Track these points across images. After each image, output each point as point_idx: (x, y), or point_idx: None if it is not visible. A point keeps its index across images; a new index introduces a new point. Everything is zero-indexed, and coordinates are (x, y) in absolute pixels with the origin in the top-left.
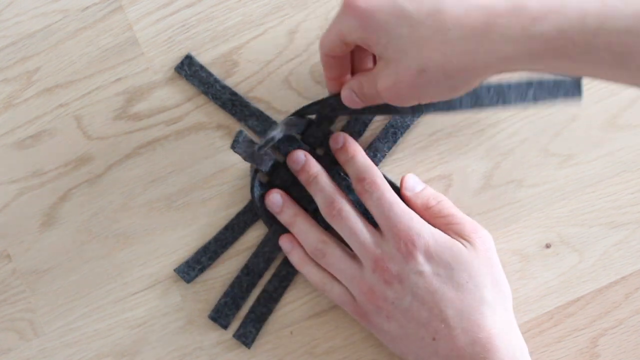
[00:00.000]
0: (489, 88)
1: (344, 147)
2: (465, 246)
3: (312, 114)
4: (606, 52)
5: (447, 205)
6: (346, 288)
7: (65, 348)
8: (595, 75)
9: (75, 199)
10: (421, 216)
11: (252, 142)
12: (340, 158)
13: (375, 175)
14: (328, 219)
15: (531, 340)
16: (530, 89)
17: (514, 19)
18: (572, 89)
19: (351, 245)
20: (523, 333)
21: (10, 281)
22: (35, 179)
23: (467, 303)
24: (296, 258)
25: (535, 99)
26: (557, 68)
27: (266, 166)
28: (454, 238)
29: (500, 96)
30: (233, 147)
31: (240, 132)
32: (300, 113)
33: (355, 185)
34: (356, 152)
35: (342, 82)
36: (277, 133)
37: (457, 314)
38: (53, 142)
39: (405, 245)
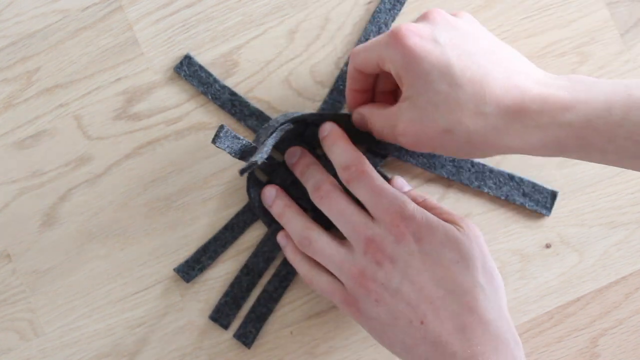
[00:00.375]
0: (472, 164)
1: (328, 135)
2: (457, 229)
3: (314, 121)
4: (629, 142)
5: (432, 201)
6: (334, 277)
7: (65, 348)
8: (618, 163)
9: (75, 199)
10: None
11: (236, 137)
12: (324, 146)
13: (361, 162)
14: (317, 202)
15: (531, 340)
16: (508, 184)
17: (546, 106)
18: (545, 201)
19: (341, 228)
20: (523, 333)
21: (10, 281)
22: (35, 179)
23: (458, 283)
24: (288, 251)
25: (508, 196)
26: (579, 156)
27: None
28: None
29: (479, 178)
30: (214, 141)
31: (222, 126)
32: (303, 119)
33: (341, 174)
34: (338, 139)
35: (363, 97)
36: (261, 156)
37: (448, 295)
38: (53, 142)
39: (397, 227)
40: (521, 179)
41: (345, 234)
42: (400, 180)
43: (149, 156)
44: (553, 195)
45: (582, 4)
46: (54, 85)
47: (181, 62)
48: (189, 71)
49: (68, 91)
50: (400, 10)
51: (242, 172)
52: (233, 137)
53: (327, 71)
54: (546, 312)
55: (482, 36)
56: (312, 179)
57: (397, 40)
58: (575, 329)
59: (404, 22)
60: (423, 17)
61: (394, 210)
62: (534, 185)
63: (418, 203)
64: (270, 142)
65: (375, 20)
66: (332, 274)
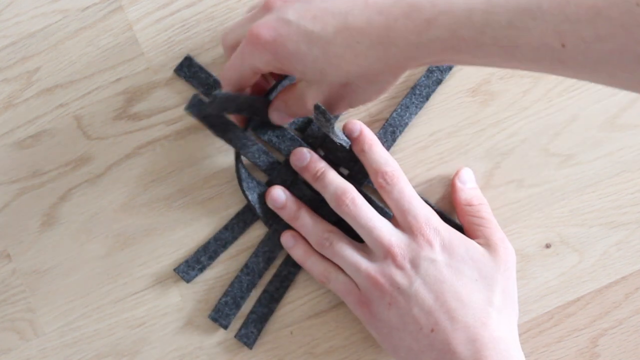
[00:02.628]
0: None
1: (360, 136)
2: (487, 250)
3: (236, 109)
4: (495, 47)
5: (487, 210)
6: (350, 278)
7: (65, 348)
8: (492, 65)
9: (75, 199)
10: (458, 210)
11: (204, 103)
12: (357, 147)
13: (396, 168)
14: (339, 209)
15: (531, 340)
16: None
17: (410, 23)
18: None
19: (362, 234)
20: (523, 333)
21: (10, 281)
22: (35, 179)
23: (474, 299)
24: (300, 252)
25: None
26: (459, 62)
27: (245, 149)
28: (479, 242)
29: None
30: (186, 108)
31: (195, 95)
32: (222, 106)
33: (375, 178)
34: (374, 143)
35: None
36: (220, 92)
37: (462, 308)
38: (53, 142)
39: (422, 236)
40: None
41: (367, 239)
42: (469, 175)
43: (149, 156)
44: None
45: None
46: (54, 85)
47: (181, 64)
48: (189, 73)
49: (68, 91)
50: None
51: (209, 105)
52: (204, 104)
53: None
54: (546, 312)
55: None
56: (330, 185)
57: (254, 42)
58: (575, 329)
59: None
60: (263, 10)
61: (420, 221)
62: None
63: (474, 205)
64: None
65: None
66: (347, 275)
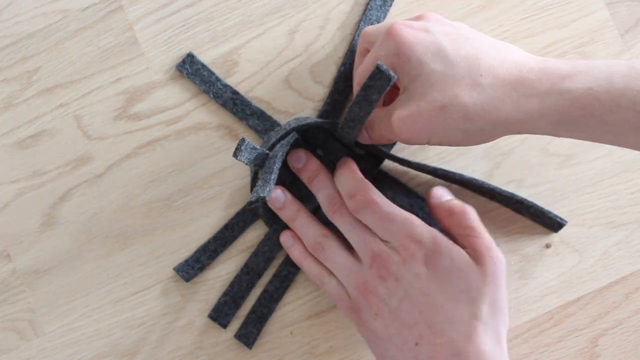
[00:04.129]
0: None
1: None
2: (473, 260)
3: (317, 127)
4: (631, 112)
5: (471, 218)
6: (342, 283)
7: (65, 348)
8: (617, 136)
9: (75, 199)
10: (442, 224)
11: (254, 148)
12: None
13: (366, 189)
14: (329, 215)
15: (531, 340)
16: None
17: (545, 76)
18: (553, 225)
19: (351, 241)
20: (523, 333)
21: (10, 281)
22: (35, 179)
23: (458, 313)
24: (297, 252)
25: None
26: (578, 129)
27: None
28: (466, 251)
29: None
30: (235, 155)
31: (243, 139)
32: (309, 127)
33: (348, 203)
34: (342, 167)
35: None
36: (269, 190)
37: (447, 322)
38: (53, 142)
39: (406, 249)
40: (530, 204)
41: (354, 247)
42: (441, 190)
43: (149, 156)
44: (560, 224)
45: (582, 4)
46: (54, 85)
47: (183, 60)
48: (191, 69)
49: (68, 91)
50: (391, 5)
51: (249, 204)
52: (251, 149)
53: (327, 71)
54: (546, 312)
55: (474, 32)
56: (324, 190)
57: (390, 33)
58: (575, 329)
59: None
60: (417, 17)
61: (403, 234)
62: (542, 212)
63: (456, 214)
64: (277, 167)
65: (368, 17)
66: (340, 280)
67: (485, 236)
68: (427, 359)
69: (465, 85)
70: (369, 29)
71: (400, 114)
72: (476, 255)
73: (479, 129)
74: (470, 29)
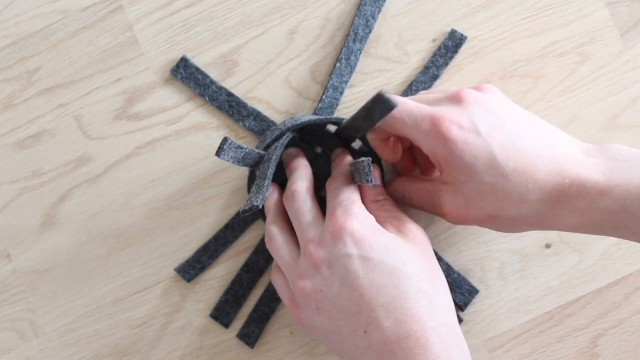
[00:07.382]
0: None
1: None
2: (400, 237)
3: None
4: None
5: (390, 203)
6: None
7: (65, 348)
8: None
9: (75, 199)
10: (369, 208)
11: (239, 147)
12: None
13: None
14: (284, 202)
15: (531, 340)
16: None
17: (584, 191)
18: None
19: (295, 228)
20: (523, 333)
21: (10, 281)
22: (35, 179)
23: (401, 289)
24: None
25: None
26: (616, 235)
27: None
28: (390, 230)
29: None
30: (217, 154)
31: (225, 139)
32: (304, 125)
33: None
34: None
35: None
36: (261, 198)
37: (390, 302)
38: (53, 142)
39: (334, 227)
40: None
41: (297, 236)
42: (376, 173)
43: (149, 156)
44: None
45: (582, 4)
46: (54, 85)
47: (177, 65)
48: (186, 73)
49: (68, 91)
50: (385, 0)
51: (243, 212)
52: (236, 148)
53: (327, 71)
54: (546, 312)
55: (514, 114)
56: (291, 179)
57: (438, 130)
58: (575, 329)
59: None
60: (454, 99)
61: (338, 211)
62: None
63: (379, 200)
64: (270, 172)
65: (362, 13)
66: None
67: (404, 216)
68: (380, 344)
69: (514, 200)
70: (402, 112)
71: (452, 212)
72: (402, 233)
73: (524, 230)
74: (507, 103)
